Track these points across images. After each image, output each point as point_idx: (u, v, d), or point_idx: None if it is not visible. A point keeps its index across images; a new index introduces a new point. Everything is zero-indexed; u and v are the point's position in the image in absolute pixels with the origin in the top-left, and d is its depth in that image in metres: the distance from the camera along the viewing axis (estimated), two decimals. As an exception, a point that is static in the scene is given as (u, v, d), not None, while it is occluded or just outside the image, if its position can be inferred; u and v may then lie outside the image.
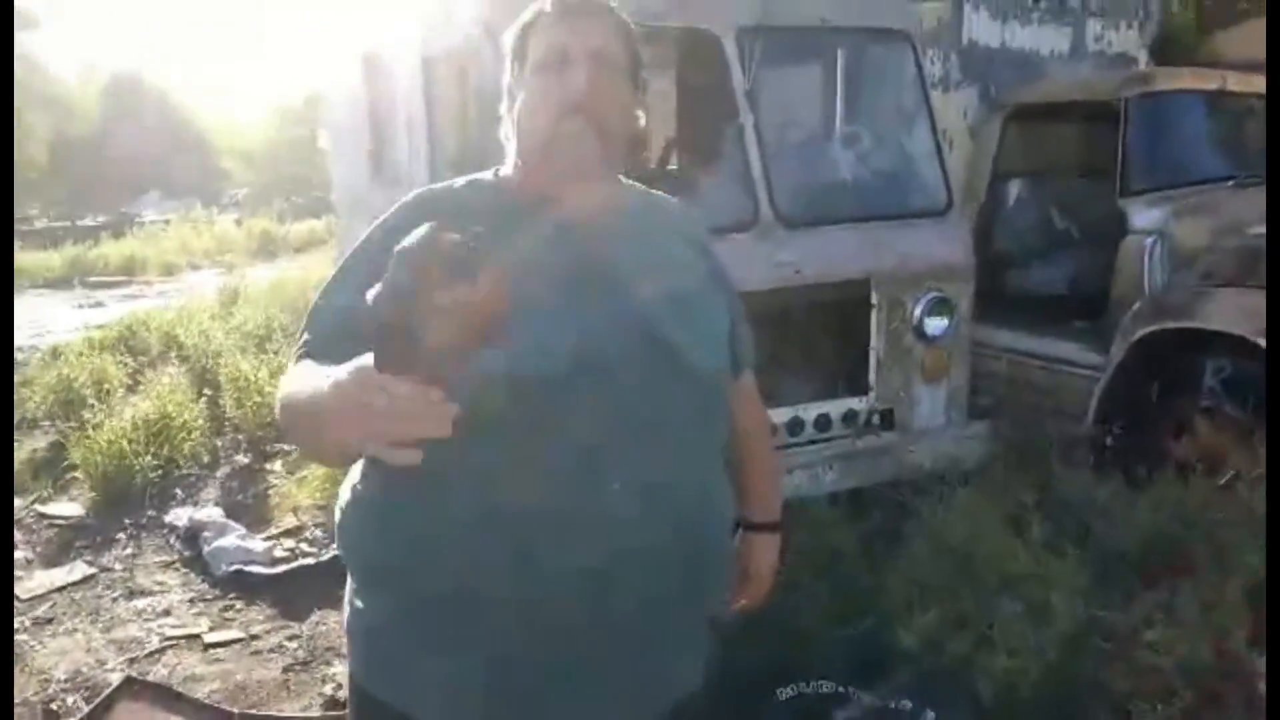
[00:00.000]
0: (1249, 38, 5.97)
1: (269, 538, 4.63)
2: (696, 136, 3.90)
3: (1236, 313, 3.97)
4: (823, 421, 3.75)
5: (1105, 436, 4.39)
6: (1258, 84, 4.99)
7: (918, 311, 3.81)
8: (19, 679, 3.45)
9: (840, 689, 2.68)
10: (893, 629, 2.70)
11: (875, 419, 3.85)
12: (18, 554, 4.64)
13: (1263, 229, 4.15)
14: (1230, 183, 4.50)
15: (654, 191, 1.55)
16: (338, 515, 1.41)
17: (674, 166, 3.82)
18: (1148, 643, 2.24)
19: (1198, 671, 2.16)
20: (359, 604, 1.37)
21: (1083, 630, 2.36)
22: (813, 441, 3.70)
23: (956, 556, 2.77)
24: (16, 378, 7.03)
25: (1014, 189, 5.30)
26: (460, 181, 1.43)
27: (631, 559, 1.24)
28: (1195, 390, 4.14)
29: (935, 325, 3.84)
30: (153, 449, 5.33)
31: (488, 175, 1.44)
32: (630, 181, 1.51)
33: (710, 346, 1.37)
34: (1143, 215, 4.50)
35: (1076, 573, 2.62)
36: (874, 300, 3.74)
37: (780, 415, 3.67)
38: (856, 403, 3.79)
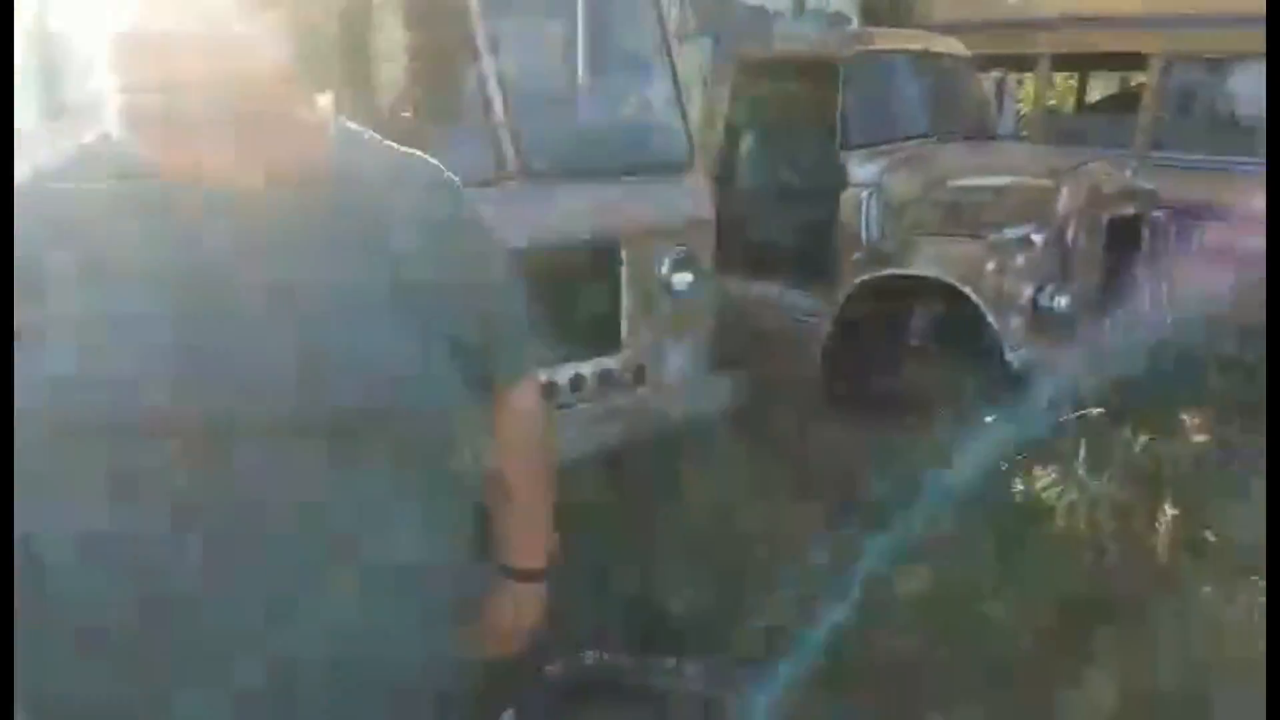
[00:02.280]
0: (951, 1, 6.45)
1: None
2: (433, 84, 3.56)
3: (939, 259, 4.29)
4: (578, 382, 3.62)
5: (834, 380, 4.66)
6: (955, 45, 5.40)
7: (665, 268, 3.76)
8: None
9: (606, 657, 2.61)
10: (659, 592, 2.66)
11: (628, 376, 3.78)
12: None
13: (964, 182, 4.51)
14: (933, 139, 4.84)
15: (388, 145, 1.14)
16: None
17: (407, 115, 3.46)
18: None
19: (935, 608, 2.30)
20: None
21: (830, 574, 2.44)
22: (569, 404, 3.57)
23: (713, 513, 2.76)
24: None
25: (746, 143, 5.40)
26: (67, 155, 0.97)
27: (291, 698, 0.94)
28: (906, 333, 4.46)
29: (682, 280, 3.81)
30: None
31: (97, 141, 0.96)
32: (355, 130, 1.12)
33: (437, 377, 1.01)
34: (860, 169, 4.73)
35: (820, 520, 2.70)
36: (623, 257, 3.63)
37: (534, 379, 3.49)
38: (610, 361, 3.70)
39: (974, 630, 2.33)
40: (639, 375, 3.80)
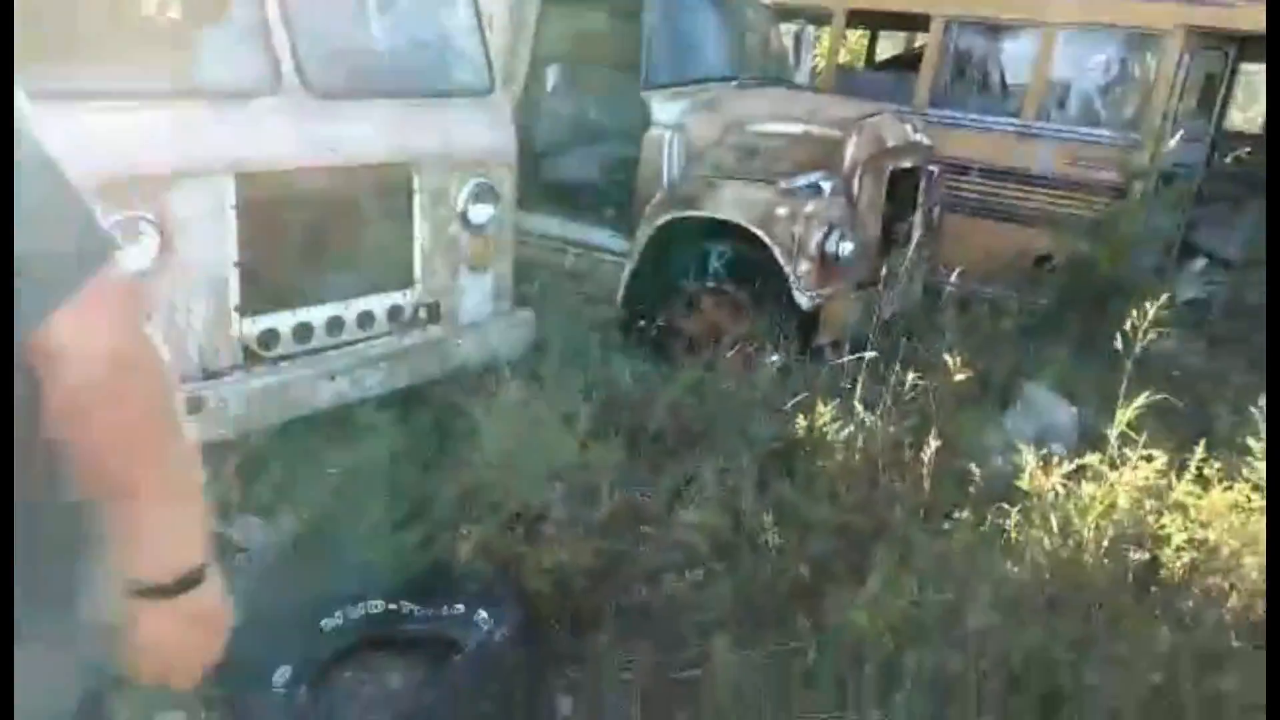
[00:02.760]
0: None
1: None
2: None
3: (735, 203, 4.36)
4: (365, 319, 3.39)
5: (634, 319, 4.66)
6: (755, -11, 5.45)
7: (462, 198, 3.57)
8: None
9: (391, 606, 2.49)
10: (446, 536, 2.55)
11: (422, 313, 3.59)
12: None
13: (760, 127, 4.58)
14: (734, 83, 4.88)
15: None
16: None
17: (173, 15, 3.04)
18: (683, 522, 2.36)
19: (720, 541, 2.34)
20: None
21: (623, 512, 2.42)
22: (355, 342, 3.34)
23: (507, 455, 2.67)
24: None
25: (551, 76, 5.23)
26: None
27: None
28: (702, 274, 4.51)
29: (481, 213, 3.64)
30: None
31: None
32: None
33: None
34: (662, 109, 4.70)
35: (616, 458, 2.68)
36: (416, 185, 3.41)
37: (318, 314, 3.23)
38: (401, 296, 3.48)
39: (753, 559, 2.40)
40: (433, 312, 3.62)
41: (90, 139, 2.59)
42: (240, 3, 3.00)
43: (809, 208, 4.17)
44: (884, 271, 4.61)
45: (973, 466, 2.82)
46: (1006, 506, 2.71)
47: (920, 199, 5.03)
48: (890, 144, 4.54)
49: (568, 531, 2.43)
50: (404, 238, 3.45)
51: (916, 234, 4.96)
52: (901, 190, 4.81)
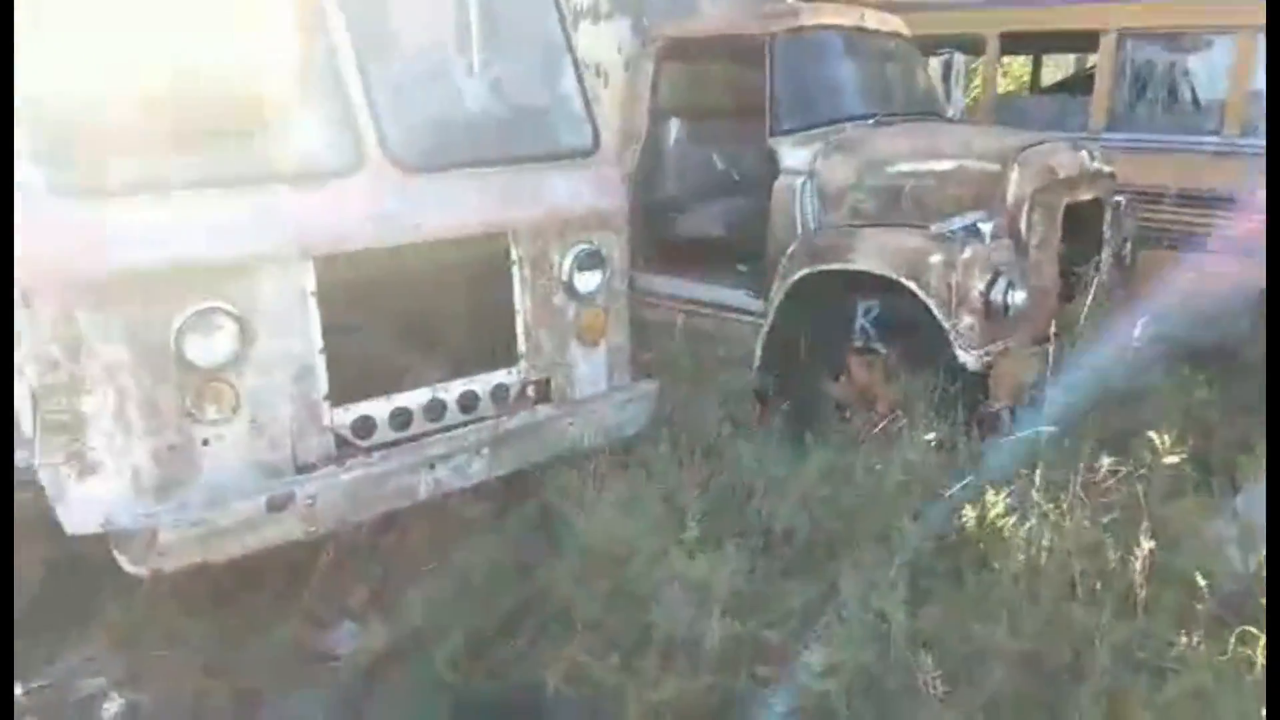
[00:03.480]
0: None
1: None
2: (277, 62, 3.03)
3: (879, 252, 3.83)
4: (468, 400, 3.11)
5: (769, 385, 4.18)
6: (894, 23, 4.95)
7: (566, 266, 3.26)
8: None
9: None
10: (536, 661, 2.16)
11: (530, 391, 3.28)
12: None
13: (903, 167, 4.06)
14: (871, 121, 4.38)
15: None
16: None
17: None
18: (805, 665, 1.87)
19: (863, 684, 1.83)
20: None
21: (736, 649, 1.95)
22: (455, 426, 3.06)
23: (607, 562, 2.27)
24: None
25: (673, 128, 4.92)
26: None
27: None
28: (848, 333, 3.99)
29: (587, 281, 3.32)
30: None
31: None
32: None
33: None
34: (791, 155, 4.26)
35: (734, 567, 2.21)
36: (514, 256, 3.13)
37: (416, 399, 2.98)
38: (506, 375, 3.19)
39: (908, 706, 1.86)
40: (542, 390, 3.30)
41: (164, 230, 2.46)
42: (320, 77, 2.84)
43: (967, 253, 3.59)
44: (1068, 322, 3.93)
45: (1199, 576, 2.17)
46: (1255, 631, 2.05)
47: (1106, 234, 4.32)
48: (1062, 174, 3.89)
49: (672, 662, 1.98)
50: (505, 312, 3.17)
51: (1104, 275, 4.25)
52: (1083, 226, 4.14)
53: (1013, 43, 5.86)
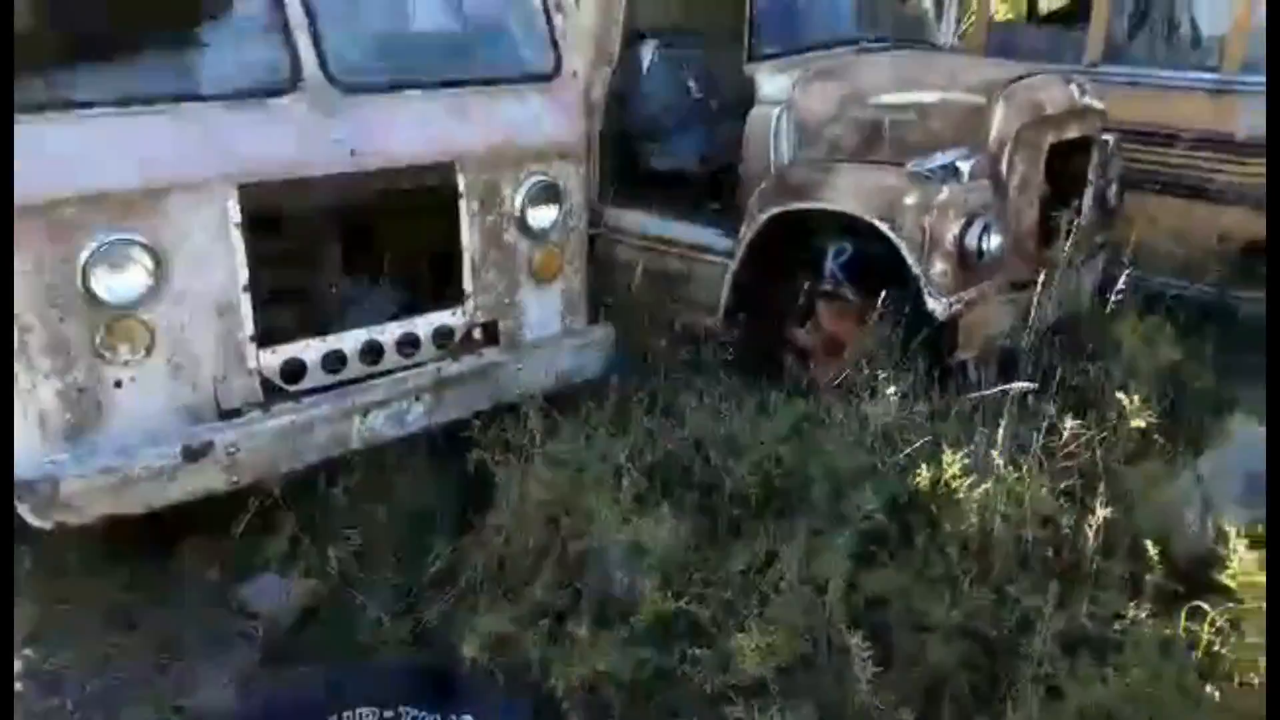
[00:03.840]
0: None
1: None
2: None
3: (855, 191, 3.63)
4: (409, 343, 2.95)
5: (738, 330, 4.03)
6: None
7: (519, 200, 3.06)
8: None
9: (389, 714, 2.02)
10: (456, 629, 2.06)
11: (476, 334, 3.12)
12: None
13: (885, 99, 3.83)
14: (854, 48, 4.13)
15: None
16: None
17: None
18: (739, 647, 1.76)
19: (788, 666, 1.73)
20: None
21: (669, 622, 1.85)
22: (395, 370, 2.91)
23: (540, 522, 2.14)
24: None
25: (648, 52, 4.64)
26: None
27: None
28: (818, 275, 3.82)
29: (542, 216, 3.12)
30: None
31: None
32: None
33: None
34: (769, 82, 4.01)
35: (672, 530, 2.09)
36: (461, 188, 2.93)
37: (349, 341, 2.82)
38: (450, 316, 3.02)
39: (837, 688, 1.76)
40: (489, 332, 3.14)
41: (70, 156, 2.25)
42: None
43: (943, 194, 3.40)
44: (1045, 269, 3.78)
45: (1150, 545, 2.07)
46: (1206, 607, 1.96)
47: (1091, 176, 4.12)
48: (1049, 110, 3.68)
49: (602, 634, 1.88)
50: (449, 249, 2.98)
51: (1085, 219, 4.07)
52: (1067, 167, 3.94)
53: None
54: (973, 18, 5.80)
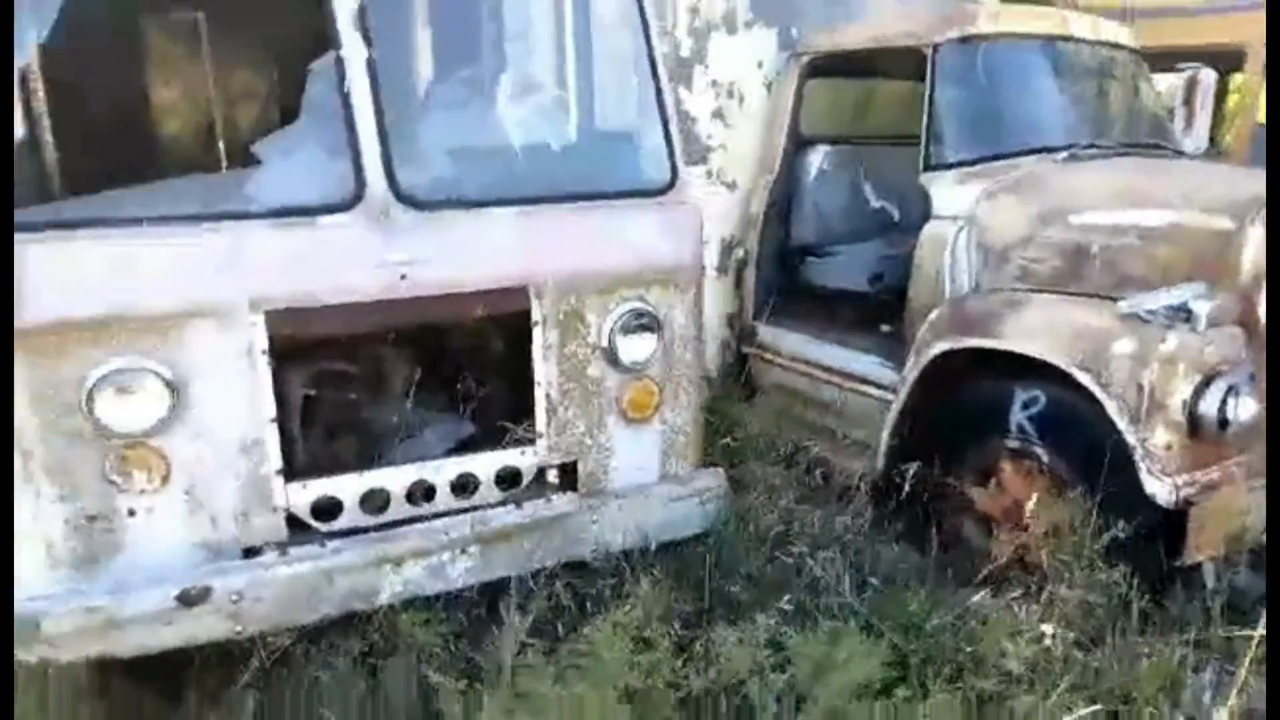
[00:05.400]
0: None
1: None
2: (288, 84, 2.59)
3: (1049, 330, 2.80)
4: (466, 484, 2.51)
5: (896, 479, 3.25)
6: (1111, 30, 3.81)
7: (607, 329, 2.57)
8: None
9: None
10: None
11: (551, 476, 2.63)
12: None
13: (1094, 218, 2.99)
14: (1063, 155, 3.31)
15: None
16: None
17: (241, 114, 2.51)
18: None
19: None
20: None
21: None
22: (447, 513, 2.47)
23: None
24: None
25: (817, 158, 4.07)
26: None
27: None
28: (1002, 427, 2.98)
29: (635, 348, 2.61)
30: None
31: None
32: None
33: None
34: (947, 195, 3.30)
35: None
36: (536, 315, 2.49)
37: (395, 479, 2.42)
38: (519, 456, 2.56)
39: None
40: (566, 476, 2.64)
41: (90, 277, 2.05)
42: (315, 88, 2.35)
43: (1170, 343, 2.51)
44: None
45: None
46: None
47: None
48: (1334, 236, 2.67)
49: None
50: (521, 381, 2.54)
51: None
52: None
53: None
54: (1235, 119, 4.69)
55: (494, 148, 2.63)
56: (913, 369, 3.19)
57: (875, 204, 4.14)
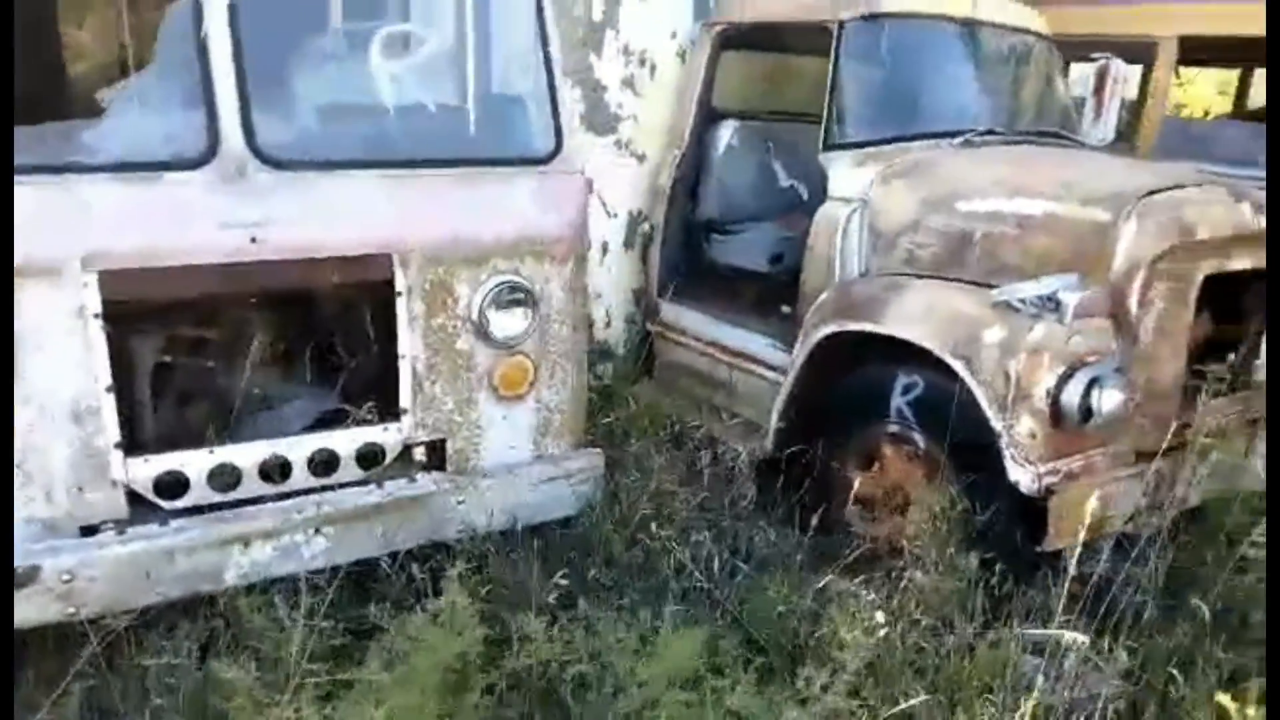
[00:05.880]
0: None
1: None
2: (143, 28, 2.45)
3: (926, 315, 2.83)
4: (324, 462, 2.44)
5: (781, 462, 3.27)
6: (1022, 16, 3.83)
7: (478, 302, 2.52)
8: None
9: None
10: None
11: (418, 455, 2.58)
12: None
13: (978, 205, 3.01)
14: (959, 140, 3.33)
15: None
16: None
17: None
18: None
19: None
20: None
21: None
22: (305, 491, 2.40)
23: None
24: None
25: (727, 133, 4.03)
26: None
27: None
28: (883, 411, 3.01)
29: (507, 323, 2.56)
30: None
31: None
32: None
33: None
34: (844, 176, 3.29)
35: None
36: (400, 286, 2.42)
37: (246, 454, 2.34)
38: (382, 433, 2.50)
39: None
40: (435, 455, 2.59)
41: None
42: (171, 32, 2.23)
43: (1037, 332, 2.54)
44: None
45: None
46: None
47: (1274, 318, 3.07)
48: (1203, 233, 2.72)
49: None
50: (384, 354, 2.47)
51: (1259, 373, 3.03)
52: (1234, 307, 2.95)
53: (1195, 50, 4.49)
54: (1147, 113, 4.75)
55: (367, 106, 2.53)
56: (801, 351, 3.19)
57: (785, 183, 4.12)
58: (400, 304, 2.42)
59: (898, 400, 2.97)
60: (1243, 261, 2.83)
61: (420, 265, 2.42)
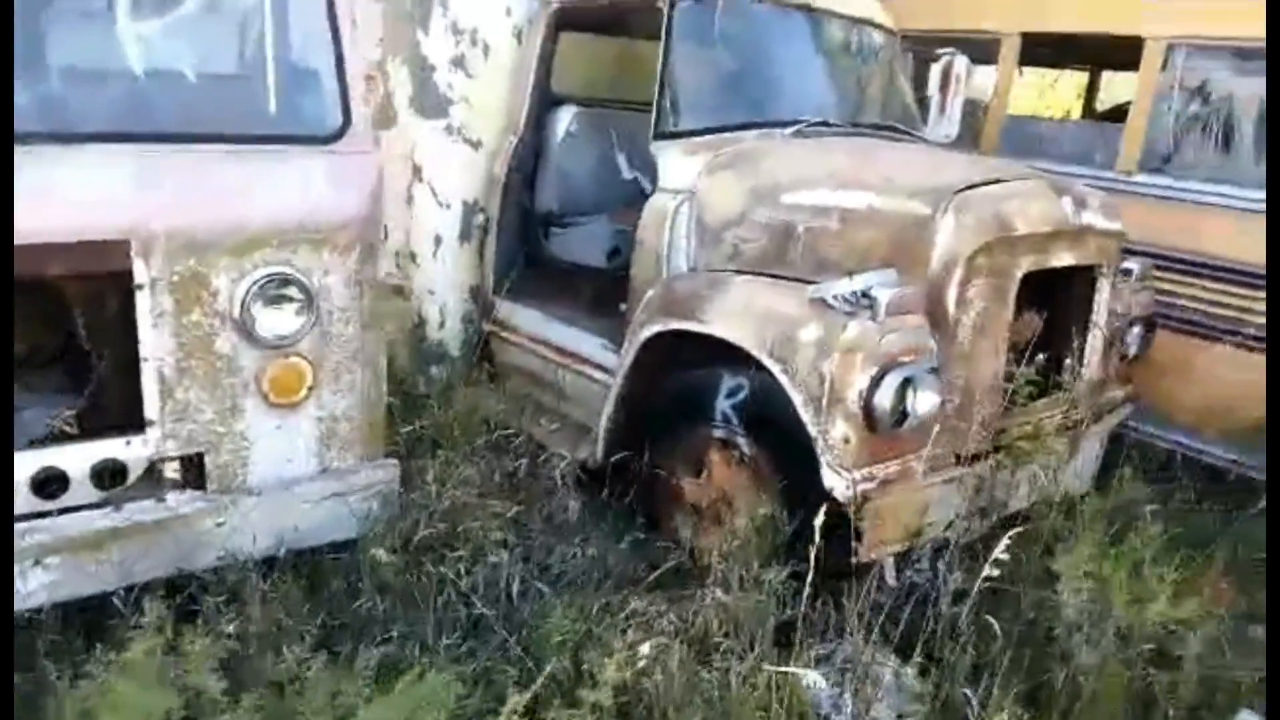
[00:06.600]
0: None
1: None
2: None
3: (742, 314, 2.71)
4: (52, 482, 2.14)
5: (609, 467, 3.12)
6: (863, 6, 3.77)
7: (240, 297, 2.25)
8: None
9: None
10: None
11: (169, 471, 2.29)
12: None
13: (802, 198, 2.91)
14: (789, 130, 3.23)
15: None
16: None
17: None
18: None
19: None
20: None
21: None
22: (27, 516, 2.09)
23: None
24: None
25: (566, 119, 3.85)
26: None
27: None
28: (709, 415, 2.88)
29: (276, 321, 2.30)
30: None
31: None
32: None
33: None
34: (675, 167, 3.15)
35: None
36: (141, 278, 2.13)
37: (-53, 474, 2.02)
38: (124, 447, 2.21)
39: None
40: (194, 471, 2.31)
41: None
42: None
43: (850, 331, 2.45)
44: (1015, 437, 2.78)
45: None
46: None
47: (1097, 315, 3.10)
48: (1022, 229, 2.69)
49: None
50: (123, 356, 2.18)
51: (1087, 372, 3.04)
52: (1056, 304, 2.94)
53: (1037, 48, 4.56)
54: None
55: (114, 71, 2.23)
56: (628, 352, 3.05)
57: (628, 174, 3.95)
58: (141, 298, 2.13)
59: (723, 403, 2.85)
60: (1064, 257, 2.83)
61: (167, 254, 2.14)
